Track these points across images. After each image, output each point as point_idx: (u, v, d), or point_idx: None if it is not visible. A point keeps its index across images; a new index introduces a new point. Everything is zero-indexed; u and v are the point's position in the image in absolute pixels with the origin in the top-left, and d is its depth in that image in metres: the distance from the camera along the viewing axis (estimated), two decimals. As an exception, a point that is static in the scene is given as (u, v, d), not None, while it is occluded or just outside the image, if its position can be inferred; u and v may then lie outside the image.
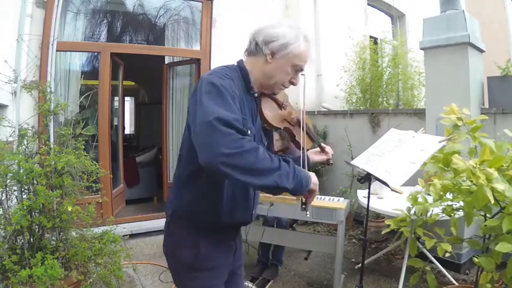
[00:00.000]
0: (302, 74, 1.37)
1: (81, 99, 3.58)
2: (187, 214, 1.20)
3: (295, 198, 2.57)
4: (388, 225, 1.83)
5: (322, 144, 1.48)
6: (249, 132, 1.14)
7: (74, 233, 2.32)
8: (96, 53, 4.00)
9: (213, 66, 4.29)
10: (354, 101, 4.86)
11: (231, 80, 1.10)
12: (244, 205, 1.25)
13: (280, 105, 1.35)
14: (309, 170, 1.32)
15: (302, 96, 1.40)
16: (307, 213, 1.19)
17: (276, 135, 2.84)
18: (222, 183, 1.17)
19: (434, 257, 2.74)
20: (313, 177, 1.12)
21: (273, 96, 1.32)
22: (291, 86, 1.31)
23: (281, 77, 1.21)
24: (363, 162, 1.92)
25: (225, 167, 0.92)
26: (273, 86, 1.24)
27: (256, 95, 1.25)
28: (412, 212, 1.75)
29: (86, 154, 2.41)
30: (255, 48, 1.20)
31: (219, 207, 1.18)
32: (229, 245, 1.29)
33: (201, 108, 1.00)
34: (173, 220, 1.24)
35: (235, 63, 1.25)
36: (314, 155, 1.49)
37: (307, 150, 1.49)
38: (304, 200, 1.16)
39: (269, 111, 1.29)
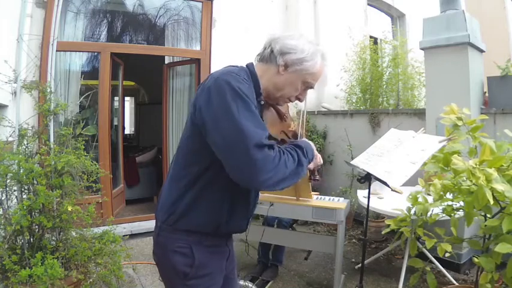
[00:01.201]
0: None
1: (81, 99, 3.59)
2: (181, 221, 1.13)
3: (295, 198, 2.58)
4: (388, 225, 1.83)
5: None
6: None
7: (74, 233, 2.32)
8: (96, 53, 4.00)
9: (213, 66, 4.30)
10: (354, 101, 4.86)
11: (248, 85, 1.06)
12: (243, 213, 1.22)
13: (282, 116, 1.31)
14: None
15: (303, 105, 1.40)
16: (317, 177, 1.33)
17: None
18: (223, 190, 1.13)
19: (434, 257, 2.74)
20: (314, 148, 1.21)
21: (275, 106, 1.28)
22: None
23: (289, 91, 1.18)
24: (363, 162, 1.92)
25: (266, 187, 0.99)
26: (278, 98, 1.20)
27: (262, 102, 1.20)
28: (412, 212, 1.76)
29: (86, 154, 2.41)
30: (269, 56, 1.15)
31: (218, 215, 1.14)
32: (223, 251, 1.25)
33: (229, 123, 0.97)
34: (165, 227, 1.16)
35: (245, 66, 1.19)
36: None
37: None
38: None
39: (269, 121, 1.25)
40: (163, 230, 1.17)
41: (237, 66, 1.15)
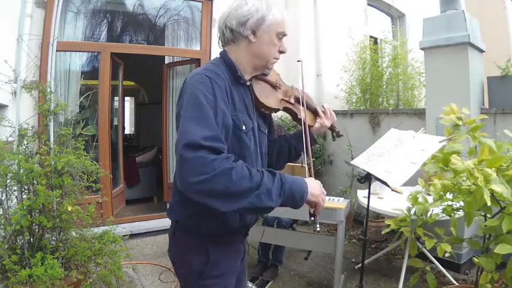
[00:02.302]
0: (298, 61, 1.35)
1: (81, 99, 3.59)
2: (193, 224, 1.13)
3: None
4: (388, 225, 1.83)
5: (324, 105, 1.47)
6: (244, 127, 1.11)
7: (74, 233, 2.32)
8: (96, 53, 4.00)
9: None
10: (354, 101, 4.86)
11: (212, 82, 1.03)
12: None
13: (274, 86, 1.29)
14: (312, 144, 1.35)
15: (301, 82, 1.39)
16: (318, 226, 1.12)
17: None
18: None
19: (434, 257, 2.74)
20: (313, 189, 1.05)
21: (264, 78, 1.27)
22: (287, 81, 1.27)
23: (270, 51, 1.16)
24: (363, 162, 1.92)
25: (195, 195, 0.90)
26: (266, 64, 1.19)
27: (248, 83, 1.21)
28: (412, 212, 1.76)
29: (86, 154, 2.41)
30: (231, 35, 1.15)
31: (226, 215, 1.12)
32: (238, 250, 1.24)
33: (179, 124, 0.98)
34: (178, 228, 1.17)
35: (219, 56, 1.20)
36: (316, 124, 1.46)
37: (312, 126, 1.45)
38: (311, 211, 1.10)
39: (263, 94, 1.24)
40: (178, 229, 1.17)
41: (210, 63, 1.16)
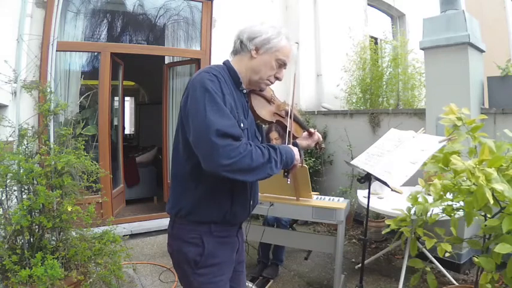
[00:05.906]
0: (296, 43, 1.45)
1: (81, 99, 3.58)
2: (192, 213, 1.23)
3: (294, 198, 2.58)
4: (388, 225, 1.83)
5: (310, 129, 1.62)
6: (242, 125, 1.22)
7: (74, 233, 2.32)
8: (96, 53, 4.00)
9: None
10: (354, 101, 4.86)
11: (219, 81, 1.16)
12: (243, 199, 1.30)
13: (269, 100, 1.44)
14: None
15: (292, 91, 1.52)
16: (288, 180, 1.36)
17: (275, 134, 2.88)
18: (223, 179, 1.19)
19: (434, 257, 2.74)
20: (296, 154, 1.28)
21: (261, 93, 1.40)
22: (285, 89, 1.33)
23: (266, 72, 1.28)
24: (363, 162, 1.92)
25: (226, 173, 1.07)
26: (259, 81, 1.30)
27: (245, 91, 1.32)
28: (412, 212, 1.75)
29: (86, 154, 2.41)
30: (240, 47, 1.28)
31: (222, 202, 1.23)
32: (233, 242, 1.33)
33: (198, 116, 1.10)
34: (177, 220, 1.27)
35: (222, 64, 1.31)
36: (302, 141, 1.60)
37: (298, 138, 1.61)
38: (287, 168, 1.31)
39: (260, 107, 1.38)
40: (176, 222, 1.27)
41: (214, 65, 1.28)
